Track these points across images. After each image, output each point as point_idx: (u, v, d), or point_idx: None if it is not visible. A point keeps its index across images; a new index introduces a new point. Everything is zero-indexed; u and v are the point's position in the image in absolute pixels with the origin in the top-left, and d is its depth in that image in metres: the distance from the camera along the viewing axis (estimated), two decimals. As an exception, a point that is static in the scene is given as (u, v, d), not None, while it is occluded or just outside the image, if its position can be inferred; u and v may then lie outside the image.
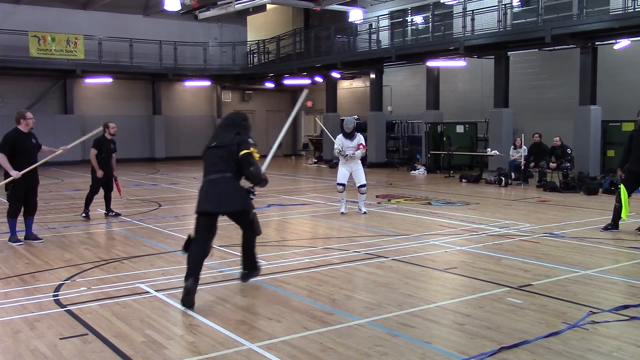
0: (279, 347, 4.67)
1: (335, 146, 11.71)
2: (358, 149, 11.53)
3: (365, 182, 11.70)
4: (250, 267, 6.50)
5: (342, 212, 11.58)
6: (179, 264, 7.54)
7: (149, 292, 6.24)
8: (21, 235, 9.02)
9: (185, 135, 30.93)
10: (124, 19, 28.64)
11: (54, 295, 6.14)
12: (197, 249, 5.88)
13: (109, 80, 27.76)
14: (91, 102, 28.66)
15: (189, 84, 30.64)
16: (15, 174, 8.49)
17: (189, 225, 10.59)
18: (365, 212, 11.61)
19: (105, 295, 6.12)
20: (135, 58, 27.76)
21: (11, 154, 8.56)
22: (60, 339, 4.88)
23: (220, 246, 8.62)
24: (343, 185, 11.64)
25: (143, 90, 29.96)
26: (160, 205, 13.23)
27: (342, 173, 11.67)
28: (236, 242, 8.82)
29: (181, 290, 5.78)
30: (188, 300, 5.65)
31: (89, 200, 11.30)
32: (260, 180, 6.19)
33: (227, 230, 9.99)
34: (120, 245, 8.92)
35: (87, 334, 4.98)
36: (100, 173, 11.16)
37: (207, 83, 30.87)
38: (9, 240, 8.87)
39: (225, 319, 5.32)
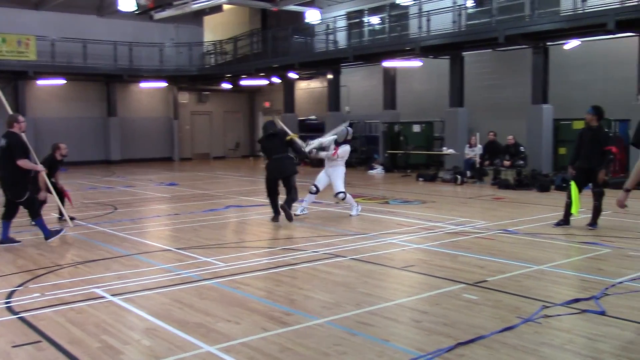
0: (238, 349, 4.65)
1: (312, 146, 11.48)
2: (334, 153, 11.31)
3: (340, 189, 11.34)
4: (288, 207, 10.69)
5: (295, 213, 10.99)
6: (136, 268, 7.45)
7: (104, 296, 6.13)
8: None
9: (141, 137, 30.51)
10: (77, 19, 28.06)
11: (6, 302, 5.98)
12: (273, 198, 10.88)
13: (62, 81, 27.16)
14: (44, 104, 28.01)
15: (144, 85, 30.20)
16: (41, 168, 9.31)
17: (146, 229, 10.50)
18: (351, 215, 11.31)
19: (60, 301, 5.99)
20: (90, 59, 27.23)
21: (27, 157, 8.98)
22: (13, 346, 4.76)
23: (177, 248, 8.55)
24: (316, 187, 11.46)
25: (97, 92, 29.41)
26: (115, 209, 13.02)
27: (321, 176, 11.57)
28: (193, 245, 8.79)
29: (137, 294, 6.05)
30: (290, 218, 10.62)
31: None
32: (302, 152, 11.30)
33: (184, 233, 9.93)
34: (75, 249, 8.74)
35: (40, 341, 4.87)
36: (43, 195, 10.33)
37: (164, 84, 30.48)
38: (52, 236, 9.15)
39: (182, 322, 5.27)
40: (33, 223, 10.10)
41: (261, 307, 5.71)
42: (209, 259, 7.79)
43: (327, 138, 11.71)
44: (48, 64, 26.23)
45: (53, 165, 10.96)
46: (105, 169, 26.07)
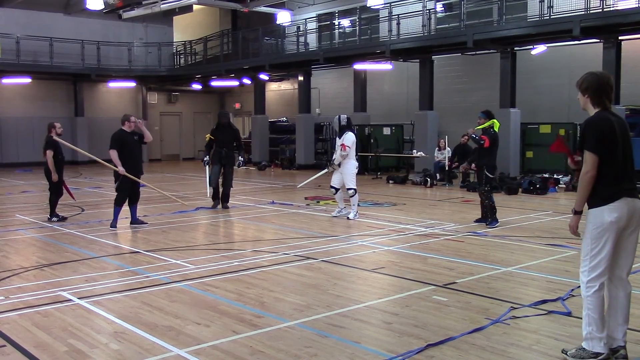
0: (208, 352, 4.61)
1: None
2: (342, 148, 11.22)
3: (351, 186, 11.26)
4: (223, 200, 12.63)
5: (333, 215, 11.47)
6: (104, 270, 7.35)
7: (71, 299, 6.03)
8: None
9: (109, 137, 29.78)
10: (43, 17, 27.57)
11: (-32, 306, 5.85)
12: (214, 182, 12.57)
13: (27, 80, 26.67)
14: (8, 103, 27.47)
15: (113, 84, 29.80)
16: (121, 170, 10.09)
17: (114, 230, 10.32)
18: (348, 218, 11.09)
19: (25, 305, 5.87)
20: (56, 58, 26.75)
21: (119, 150, 10.16)
22: (-24, 351, 4.66)
23: (146, 251, 8.45)
24: (335, 188, 11.51)
25: (64, 91, 28.94)
26: (83, 210, 12.84)
27: (335, 176, 11.56)
28: (163, 247, 8.70)
29: (106, 297, 5.97)
30: (217, 206, 12.53)
31: (54, 204, 11.27)
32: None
33: (154, 235, 9.82)
34: (41, 251, 8.58)
35: (4, 346, 4.77)
36: (55, 177, 11.05)
37: (132, 84, 30.12)
38: (110, 226, 10.22)
39: (152, 325, 5.21)
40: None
41: (231, 309, 5.67)
42: (178, 261, 7.72)
43: (337, 149, 11.54)
44: (13, 62, 25.71)
45: (57, 145, 11.19)
46: (72, 169, 25.63)
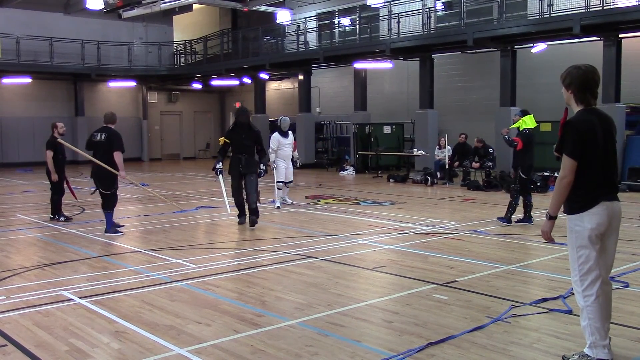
0: (209, 351, 4.61)
1: (271, 147, 12.87)
2: (295, 148, 13.26)
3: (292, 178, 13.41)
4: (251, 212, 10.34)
5: (277, 207, 12.62)
6: (105, 270, 7.35)
7: (72, 299, 6.03)
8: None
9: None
10: (43, 16, 27.59)
11: (-31, 306, 5.85)
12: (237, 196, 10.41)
13: (27, 80, 26.68)
14: (8, 103, 27.48)
15: (113, 84, 29.81)
16: (122, 175, 9.63)
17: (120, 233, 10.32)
18: (278, 207, 12.59)
19: (26, 304, 5.88)
20: (56, 57, 26.78)
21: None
22: (-23, 351, 4.66)
23: (147, 250, 8.45)
24: (284, 183, 13.03)
25: (65, 91, 28.95)
26: (84, 210, 12.84)
27: (281, 171, 12.93)
28: (163, 247, 8.70)
29: (107, 297, 6.01)
30: (244, 222, 10.42)
31: (57, 203, 11.28)
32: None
33: (154, 234, 9.82)
34: (42, 251, 8.58)
35: (6, 345, 4.77)
36: (55, 177, 11.08)
37: (132, 84, 30.13)
38: (106, 232, 9.76)
39: (153, 325, 5.21)
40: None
41: (232, 308, 5.68)
42: (179, 261, 7.72)
43: (272, 148, 12.91)
44: (13, 62, 25.73)
45: (58, 145, 11.18)
46: (72, 169, 25.62)
